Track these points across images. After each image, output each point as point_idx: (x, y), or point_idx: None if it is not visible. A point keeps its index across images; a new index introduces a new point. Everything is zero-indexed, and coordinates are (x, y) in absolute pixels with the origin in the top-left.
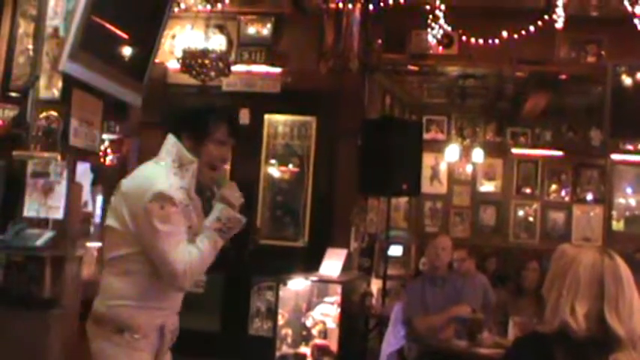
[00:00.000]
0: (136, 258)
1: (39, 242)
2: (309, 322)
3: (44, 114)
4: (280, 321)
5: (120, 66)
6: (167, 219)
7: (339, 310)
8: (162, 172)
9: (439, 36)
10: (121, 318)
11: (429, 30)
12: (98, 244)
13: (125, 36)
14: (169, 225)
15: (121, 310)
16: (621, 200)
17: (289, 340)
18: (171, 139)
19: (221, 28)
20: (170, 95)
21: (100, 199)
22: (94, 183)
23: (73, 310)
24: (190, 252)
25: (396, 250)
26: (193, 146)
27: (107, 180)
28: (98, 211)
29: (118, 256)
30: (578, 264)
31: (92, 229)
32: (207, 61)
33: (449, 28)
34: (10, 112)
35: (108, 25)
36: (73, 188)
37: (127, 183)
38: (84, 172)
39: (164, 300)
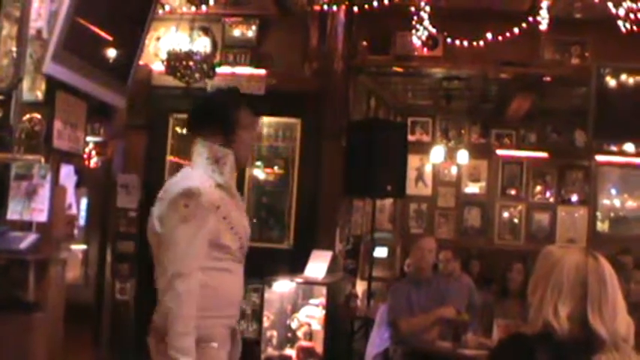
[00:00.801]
0: (206, 267)
1: (22, 245)
2: (294, 324)
3: (27, 116)
4: (265, 323)
5: (104, 68)
6: (189, 218)
7: (324, 311)
8: (197, 173)
9: (424, 38)
10: (200, 330)
11: (413, 32)
12: (83, 247)
13: (109, 38)
14: (186, 224)
15: (200, 323)
16: (606, 201)
17: (274, 342)
18: (199, 141)
19: (206, 30)
20: (155, 97)
21: (84, 201)
22: (78, 185)
23: (57, 313)
24: (195, 271)
25: (381, 252)
26: (224, 140)
27: (91, 182)
28: (83, 214)
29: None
30: (562, 265)
31: (76, 231)
32: (191, 63)
33: (433, 30)
34: None
35: (92, 27)
36: (57, 191)
37: (164, 190)
38: (68, 174)
39: (235, 305)
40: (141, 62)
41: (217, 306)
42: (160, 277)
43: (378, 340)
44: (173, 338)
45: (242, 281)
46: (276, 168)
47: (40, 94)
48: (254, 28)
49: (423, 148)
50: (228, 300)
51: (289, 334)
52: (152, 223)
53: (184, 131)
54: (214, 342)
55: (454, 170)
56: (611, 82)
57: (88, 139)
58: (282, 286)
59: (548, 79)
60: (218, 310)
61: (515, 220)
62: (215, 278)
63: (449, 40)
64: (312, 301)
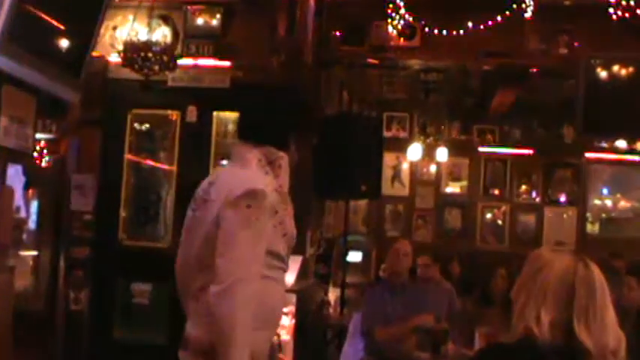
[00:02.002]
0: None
1: None
2: None
3: None
4: None
5: (54, 59)
6: (251, 221)
7: (293, 321)
8: (255, 173)
9: (400, 27)
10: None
11: (389, 21)
12: (33, 253)
13: (60, 27)
14: (248, 226)
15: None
16: (596, 201)
17: None
18: (248, 144)
19: (166, 19)
20: (111, 91)
21: (34, 204)
22: (27, 187)
23: (5, 324)
24: (254, 282)
25: (355, 256)
26: (278, 146)
27: (43, 183)
28: (33, 217)
29: None
30: (549, 269)
31: (25, 236)
32: (150, 55)
33: (410, 19)
34: None
35: (41, 15)
36: (4, 192)
37: (216, 192)
38: (15, 174)
39: (274, 316)
40: (96, 53)
41: (263, 318)
42: (206, 284)
43: (351, 350)
44: (229, 350)
45: (284, 291)
46: None
47: None
48: (218, 16)
49: (399, 145)
50: (273, 312)
51: None
52: (193, 227)
53: (144, 128)
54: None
55: (433, 169)
56: (602, 73)
57: (39, 136)
58: None
59: (533, 70)
60: (263, 322)
61: (499, 222)
62: (263, 287)
63: (427, 29)
64: None
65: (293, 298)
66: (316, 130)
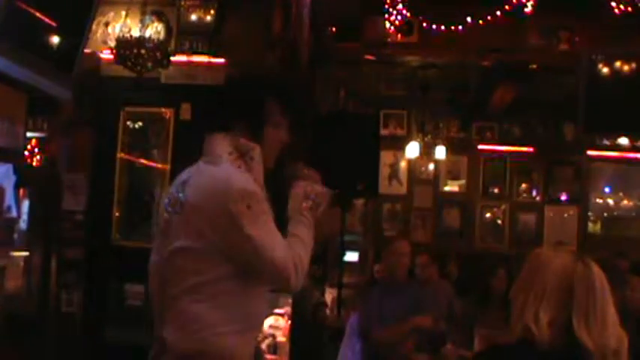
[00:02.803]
0: (225, 277)
1: None
2: None
3: None
4: None
5: (46, 56)
6: (257, 219)
7: (289, 322)
8: (231, 170)
9: (397, 23)
10: (223, 349)
11: (386, 16)
12: (24, 254)
13: (51, 23)
14: (260, 225)
15: (223, 340)
16: (598, 200)
17: None
18: (217, 135)
19: (159, 15)
20: (104, 89)
21: (25, 204)
22: (18, 186)
23: None
24: (291, 244)
25: (351, 256)
26: (250, 137)
27: (34, 183)
28: (24, 217)
29: (202, 281)
30: (548, 268)
31: (16, 236)
32: (143, 51)
33: (408, 14)
34: None
35: (32, 11)
36: None
37: (190, 195)
38: (6, 173)
39: (257, 318)
40: (88, 50)
41: (246, 320)
42: (185, 290)
43: (348, 352)
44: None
45: (269, 293)
46: None
47: None
48: (212, 12)
49: (397, 143)
50: (257, 314)
51: None
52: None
53: (137, 126)
54: None
55: (431, 167)
56: (603, 69)
57: (30, 134)
58: None
59: (533, 67)
60: (246, 325)
61: (499, 222)
62: (245, 288)
63: (425, 25)
64: (276, 310)
65: (288, 299)
66: (295, 115)
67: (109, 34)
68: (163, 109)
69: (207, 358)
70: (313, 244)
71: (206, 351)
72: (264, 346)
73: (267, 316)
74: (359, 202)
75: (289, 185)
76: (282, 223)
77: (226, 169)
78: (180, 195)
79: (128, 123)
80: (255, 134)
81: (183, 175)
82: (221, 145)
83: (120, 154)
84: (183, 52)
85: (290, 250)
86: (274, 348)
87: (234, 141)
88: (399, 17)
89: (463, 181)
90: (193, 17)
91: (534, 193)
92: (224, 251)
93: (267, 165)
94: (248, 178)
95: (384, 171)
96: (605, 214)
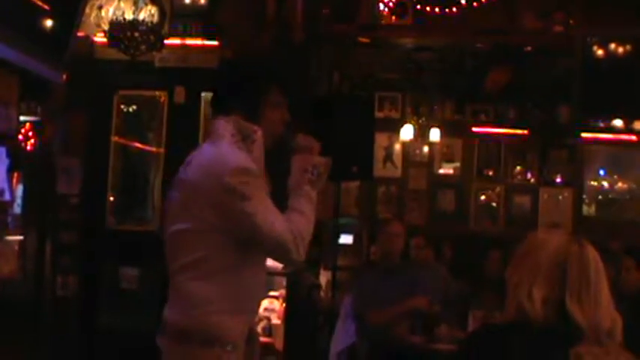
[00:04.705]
0: (218, 256)
1: None
2: None
3: None
4: None
5: (38, 39)
6: (253, 195)
7: (284, 304)
8: (229, 149)
9: (391, 4)
10: (212, 327)
11: None
12: (19, 238)
13: (44, 6)
14: (256, 199)
15: (212, 318)
16: (593, 183)
17: None
18: (221, 119)
19: None
20: (98, 72)
21: (20, 188)
22: (11, 169)
23: None
24: (290, 218)
25: (346, 239)
26: (249, 119)
27: (28, 166)
28: (18, 201)
29: (197, 258)
30: (542, 248)
31: (10, 219)
32: (136, 34)
33: None
34: None
35: None
36: None
37: (190, 173)
38: None
39: (252, 299)
40: (81, 33)
41: (241, 302)
42: (181, 266)
43: (343, 334)
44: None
45: (265, 273)
46: None
47: None
48: None
49: (391, 126)
50: (252, 296)
51: None
52: (171, 213)
53: (131, 109)
54: (229, 344)
55: (426, 149)
56: (599, 51)
57: (24, 119)
58: None
59: (528, 49)
60: (241, 306)
61: (493, 204)
62: (239, 268)
63: (419, 6)
64: (271, 293)
65: (283, 281)
66: (292, 95)
67: (102, 17)
68: (157, 93)
69: (198, 336)
70: (314, 217)
71: (195, 328)
72: (259, 328)
73: (262, 299)
74: (354, 184)
75: (289, 159)
76: (283, 201)
77: (225, 148)
78: (182, 175)
79: (122, 106)
80: (255, 115)
81: (189, 157)
82: (224, 127)
83: (114, 138)
84: (176, 35)
85: (290, 223)
86: (269, 330)
87: (237, 123)
88: None
89: (458, 164)
90: (187, 0)
91: (529, 175)
92: (222, 227)
93: (268, 145)
94: (247, 156)
95: (379, 153)
96: (600, 197)
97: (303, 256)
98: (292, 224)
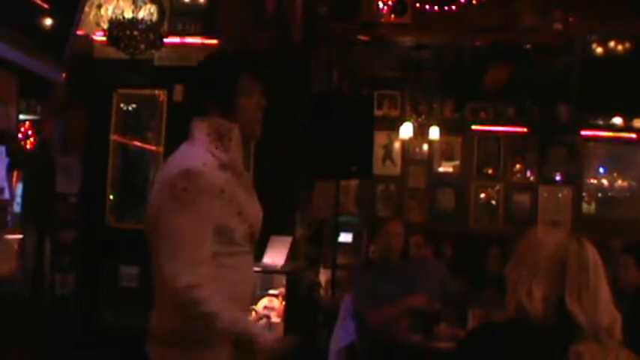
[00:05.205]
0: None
1: None
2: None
3: None
4: None
5: (38, 38)
6: (188, 204)
7: (284, 303)
8: (198, 151)
9: (391, 3)
10: (196, 333)
11: None
12: (18, 236)
13: (43, 4)
14: (186, 214)
15: (196, 323)
16: (592, 180)
17: None
18: (197, 120)
19: None
20: (97, 71)
21: (19, 186)
22: (11, 168)
23: None
24: (205, 283)
25: (346, 237)
26: (224, 113)
27: (27, 165)
28: (18, 200)
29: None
30: (542, 246)
31: (10, 218)
32: (136, 33)
33: None
34: None
35: None
36: None
37: (159, 174)
38: None
39: (240, 301)
40: (81, 32)
41: (228, 298)
42: (158, 268)
43: (342, 333)
44: (230, 329)
45: (251, 273)
46: None
47: None
48: None
49: (391, 124)
50: (233, 296)
51: None
52: (149, 212)
53: (130, 108)
54: (210, 347)
55: (425, 148)
56: (598, 49)
57: (23, 117)
58: None
59: (528, 47)
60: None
61: (493, 202)
62: (219, 271)
63: (418, 5)
64: (270, 291)
65: (283, 279)
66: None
67: (101, 16)
68: (156, 91)
69: (184, 340)
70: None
71: (183, 332)
72: None
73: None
74: (353, 182)
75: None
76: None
77: (191, 149)
78: (157, 176)
79: (121, 105)
80: (231, 107)
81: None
82: (199, 128)
83: (113, 137)
84: (176, 34)
85: (201, 268)
86: (269, 329)
87: (212, 123)
88: None
89: (457, 162)
90: None
91: (528, 173)
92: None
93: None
94: (209, 160)
95: (378, 152)
96: (599, 195)
97: (184, 303)
98: (207, 287)
